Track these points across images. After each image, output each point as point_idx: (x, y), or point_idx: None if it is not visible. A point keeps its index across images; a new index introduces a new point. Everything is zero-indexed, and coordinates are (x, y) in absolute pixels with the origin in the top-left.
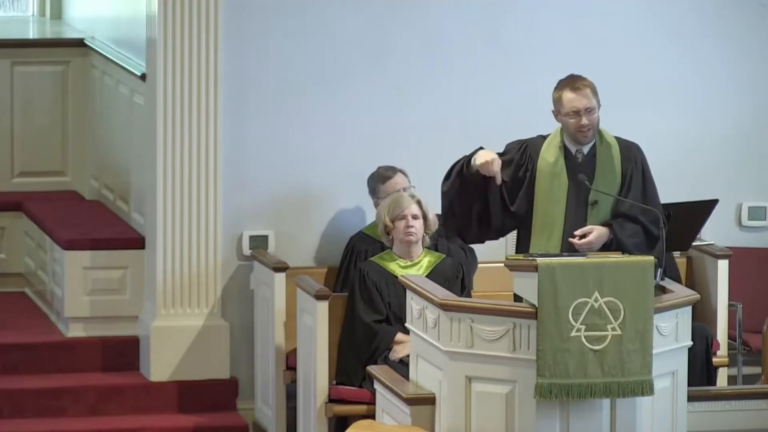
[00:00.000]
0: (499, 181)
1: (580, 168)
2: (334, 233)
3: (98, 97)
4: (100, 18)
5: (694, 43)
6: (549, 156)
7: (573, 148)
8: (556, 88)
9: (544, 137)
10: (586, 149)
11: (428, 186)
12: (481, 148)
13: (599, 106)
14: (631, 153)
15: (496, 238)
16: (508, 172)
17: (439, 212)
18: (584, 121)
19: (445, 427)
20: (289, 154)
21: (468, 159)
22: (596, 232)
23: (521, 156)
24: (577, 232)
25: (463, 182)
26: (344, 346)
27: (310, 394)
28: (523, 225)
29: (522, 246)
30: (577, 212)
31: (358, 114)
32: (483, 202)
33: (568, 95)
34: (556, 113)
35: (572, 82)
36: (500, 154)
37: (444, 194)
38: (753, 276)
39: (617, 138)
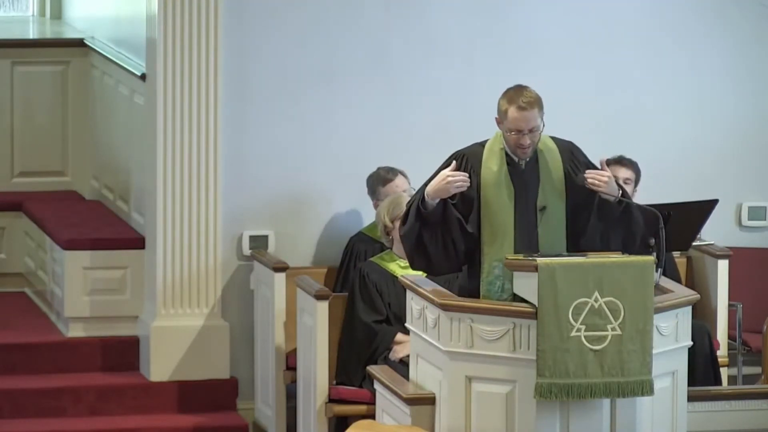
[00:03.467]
0: (467, 183)
1: (524, 174)
2: (334, 233)
3: (98, 97)
4: (100, 18)
5: (694, 42)
6: (492, 164)
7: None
8: (503, 97)
9: (481, 145)
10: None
11: None
12: (425, 185)
13: (543, 123)
14: (570, 154)
15: (465, 263)
16: (456, 194)
17: None
18: (526, 141)
19: (445, 427)
20: (289, 154)
21: (421, 198)
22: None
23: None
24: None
25: (424, 222)
26: (344, 346)
27: (310, 394)
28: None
29: (473, 257)
30: (527, 218)
31: (358, 114)
32: (448, 232)
33: (513, 114)
34: (499, 122)
35: (519, 96)
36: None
37: (405, 237)
38: (753, 276)
39: (553, 138)
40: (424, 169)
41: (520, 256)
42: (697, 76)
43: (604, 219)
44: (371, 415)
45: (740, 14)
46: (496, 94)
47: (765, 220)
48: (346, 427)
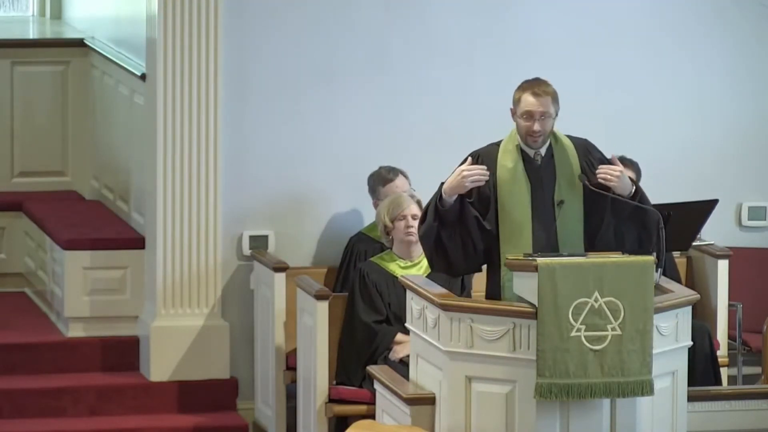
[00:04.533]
0: (485, 175)
1: (540, 170)
2: (334, 233)
3: (98, 97)
4: (100, 18)
5: (694, 42)
6: (507, 162)
7: (531, 151)
8: (518, 88)
9: (497, 144)
10: (543, 150)
11: (428, 187)
12: (442, 184)
13: (556, 114)
14: (585, 150)
15: (485, 263)
16: (473, 192)
17: None
18: (537, 126)
19: (445, 427)
20: (288, 154)
21: (438, 197)
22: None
23: None
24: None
25: (442, 222)
26: (344, 346)
27: (310, 394)
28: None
29: (492, 256)
30: (544, 214)
31: (358, 114)
32: (466, 231)
33: (527, 98)
34: (513, 112)
35: (535, 86)
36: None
37: (423, 238)
38: (753, 276)
39: (569, 136)
40: (424, 169)
41: (520, 256)
42: (697, 76)
43: (617, 216)
44: (371, 415)
45: (740, 14)
46: (496, 95)
47: (765, 220)
48: (346, 427)
